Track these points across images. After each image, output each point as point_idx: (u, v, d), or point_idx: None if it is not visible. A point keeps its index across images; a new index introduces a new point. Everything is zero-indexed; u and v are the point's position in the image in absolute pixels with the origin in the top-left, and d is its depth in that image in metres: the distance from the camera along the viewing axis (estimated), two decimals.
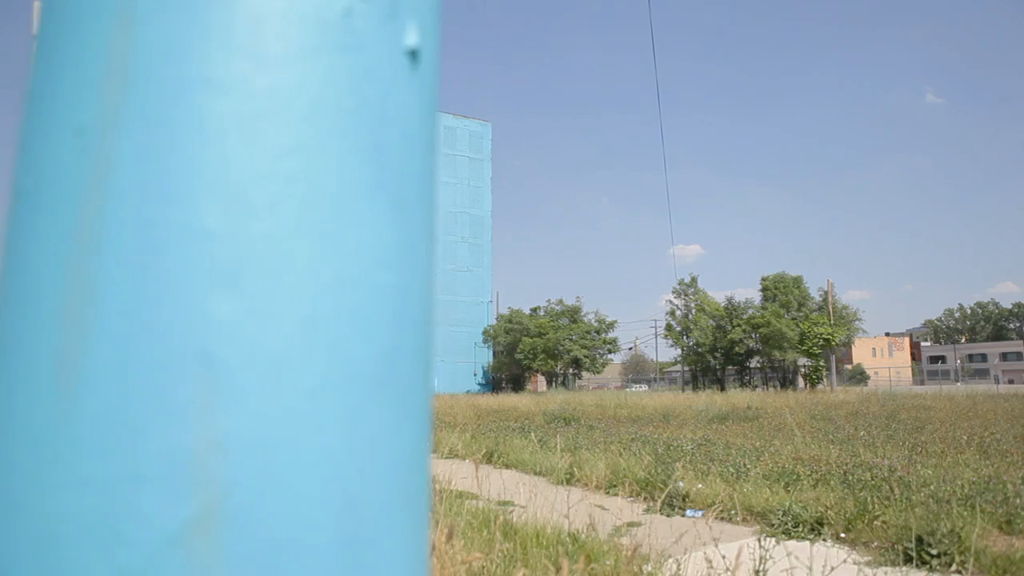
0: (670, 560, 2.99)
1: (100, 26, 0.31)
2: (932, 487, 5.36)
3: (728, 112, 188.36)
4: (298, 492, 0.29)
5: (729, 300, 43.57)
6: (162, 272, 0.29)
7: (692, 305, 44.49)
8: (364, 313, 0.32)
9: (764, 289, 41.56)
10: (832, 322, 38.20)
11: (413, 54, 0.37)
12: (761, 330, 39.19)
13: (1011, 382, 65.19)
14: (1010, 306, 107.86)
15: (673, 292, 45.57)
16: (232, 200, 0.30)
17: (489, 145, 58.32)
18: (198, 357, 0.29)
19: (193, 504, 0.27)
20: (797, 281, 40.83)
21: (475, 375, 52.85)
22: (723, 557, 1.98)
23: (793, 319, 39.09)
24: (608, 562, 2.71)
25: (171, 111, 0.30)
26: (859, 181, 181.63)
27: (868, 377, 65.17)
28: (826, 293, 40.52)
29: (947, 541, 3.81)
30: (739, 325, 40.87)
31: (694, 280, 45.22)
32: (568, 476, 7.15)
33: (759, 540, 2.90)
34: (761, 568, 2.49)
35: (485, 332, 51.73)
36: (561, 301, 49.62)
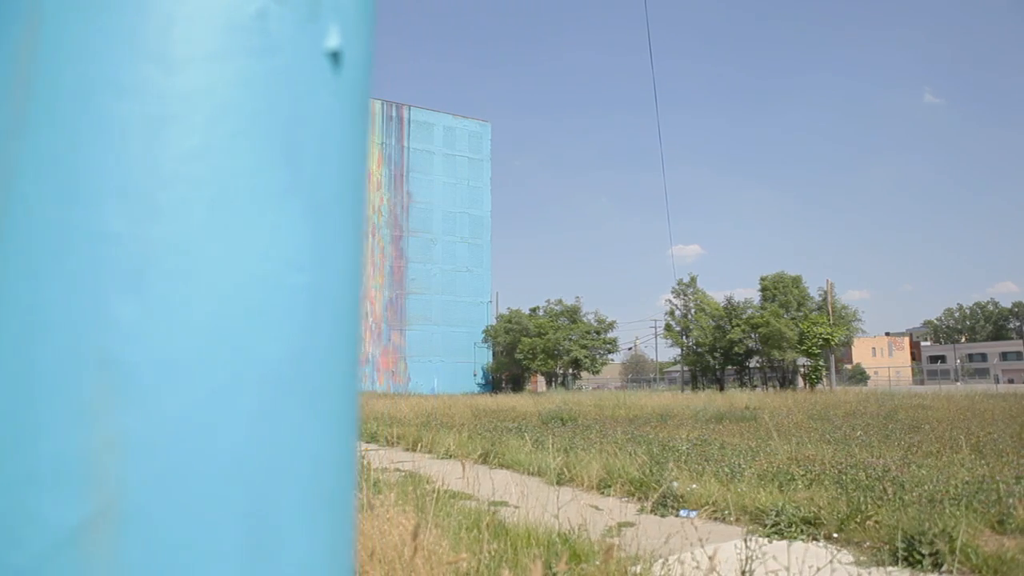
0: (660, 561, 2.99)
1: (6, 28, 0.31)
2: (926, 487, 5.37)
3: (727, 112, 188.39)
4: (199, 492, 0.29)
5: (728, 300, 43.54)
6: (65, 274, 0.29)
7: (691, 305, 44.48)
8: (272, 314, 0.32)
9: (763, 289, 41.53)
10: (831, 322, 38.18)
11: (335, 56, 0.37)
12: (760, 330, 39.18)
13: (1011, 381, 65.16)
14: (1010, 306, 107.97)
15: (672, 292, 45.57)
16: (136, 203, 0.30)
17: (489, 145, 58.27)
18: (98, 358, 0.29)
19: (88, 505, 0.27)
20: (796, 281, 40.80)
21: (475, 375, 52.78)
22: (709, 558, 1.99)
23: (792, 319, 39.06)
24: (597, 562, 2.71)
25: (77, 113, 0.30)
26: (858, 181, 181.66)
27: (868, 377, 65.12)
28: (825, 293, 40.50)
29: (938, 541, 3.82)
30: (738, 325, 40.85)
31: (693, 280, 45.21)
32: (562, 476, 7.14)
33: (745, 541, 2.91)
34: (747, 568, 2.50)
35: (485, 332, 51.69)
36: (561, 301, 49.61)
